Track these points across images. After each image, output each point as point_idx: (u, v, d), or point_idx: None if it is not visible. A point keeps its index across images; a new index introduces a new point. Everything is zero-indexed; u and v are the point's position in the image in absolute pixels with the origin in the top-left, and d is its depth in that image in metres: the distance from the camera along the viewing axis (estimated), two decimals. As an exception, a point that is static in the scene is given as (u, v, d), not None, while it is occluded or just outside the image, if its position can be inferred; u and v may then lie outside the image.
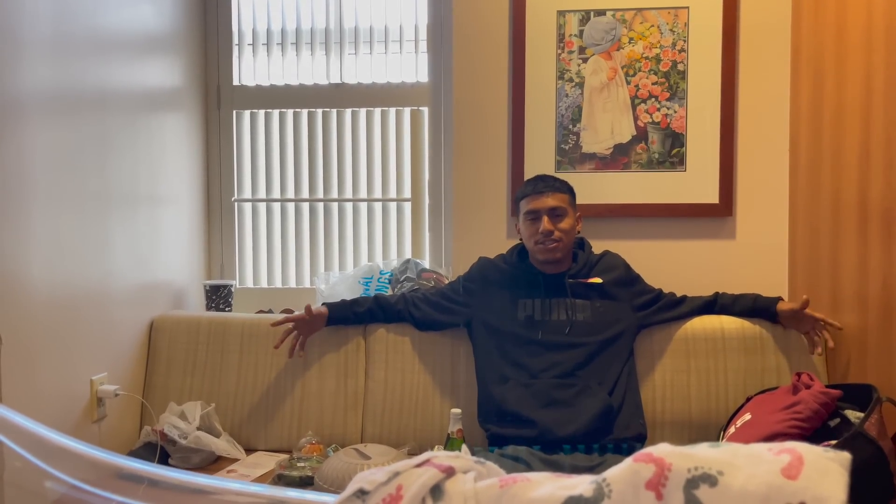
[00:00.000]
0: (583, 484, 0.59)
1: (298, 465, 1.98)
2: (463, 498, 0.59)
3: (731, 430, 1.90)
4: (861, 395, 1.77)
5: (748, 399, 2.01)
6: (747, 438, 1.77)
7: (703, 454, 0.57)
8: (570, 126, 2.52)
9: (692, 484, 0.56)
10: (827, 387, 1.80)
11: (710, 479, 0.55)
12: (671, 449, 0.59)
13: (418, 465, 0.63)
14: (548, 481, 0.61)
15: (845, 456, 0.56)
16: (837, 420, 1.71)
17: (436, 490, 0.61)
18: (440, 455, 0.64)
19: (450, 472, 0.62)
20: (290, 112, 2.78)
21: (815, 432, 1.70)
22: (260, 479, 2.01)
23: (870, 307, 1.92)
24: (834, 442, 1.63)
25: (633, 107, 2.50)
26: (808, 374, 1.84)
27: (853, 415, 1.72)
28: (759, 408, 1.89)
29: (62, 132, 1.91)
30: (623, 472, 0.58)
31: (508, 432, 1.98)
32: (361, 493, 0.61)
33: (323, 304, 2.27)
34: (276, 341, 2.20)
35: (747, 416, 1.88)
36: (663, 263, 2.49)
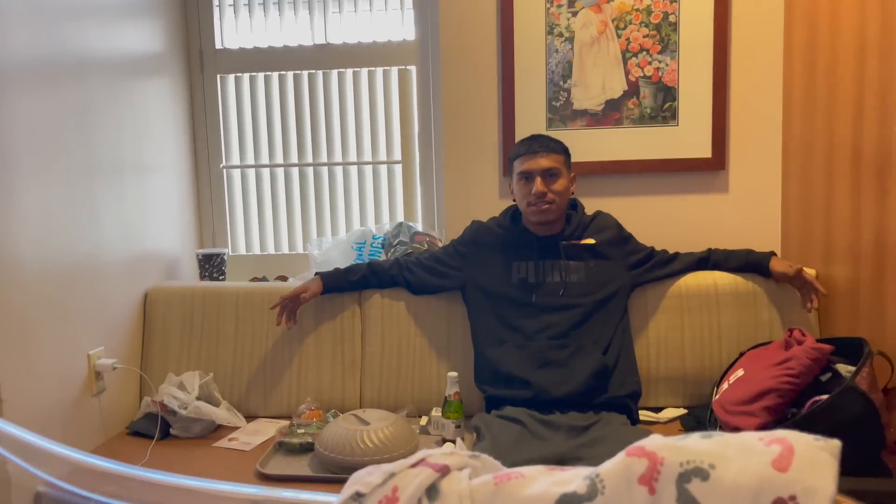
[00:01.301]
0: (576, 479, 0.59)
1: (298, 431, 2.00)
2: (458, 497, 0.60)
3: (725, 385, 1.92)
4: (852, 349, 1.78)
5: (741, 354, 2.03)
6: (741, 394, 1.80)
7: (695, 447, 0.58)
8: (561, 82, 2.48)
9: (684, 478, 0.56)
10: (818, 341, 1.82)
11: (702, 473, 0.56)
12: (663, 442, 0.60)
13: (413, 466, 0.63)
14: (541, 476, 0.61)
15: (835, 444, 0.56)
16: (829, 374, 1.73)
17: (431, 490, 0.61)
18: (435, 454, 0.65)
19: (445, 471, 0.62)
20: (275, 75, 2.73)
21: (806, 387, 1.73)
22: (261, 446, 2.04)
23: (862, 260, 1.93)
24: (825, 396, 1.65)
25: (625, 61, 2.46)
26: (801, 329, 1.85)
27: (844, 369, 1.74)
28: (752, 363, 1.91)
29: (42, 103, 1.87)
30: (616, 466, 0.59)
31: (504, 394, 2.00)
32: (358, 496, 0.62)
33: (316, 273, 2.26)
34: (276, 319, 2.21)
35: (740, 372, 1.90)
36: (657, 219, 2.49)
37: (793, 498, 0.52)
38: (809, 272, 2.13)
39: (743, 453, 0.56)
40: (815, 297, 2.10)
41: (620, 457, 0.60)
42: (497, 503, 0.60)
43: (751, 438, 0.58)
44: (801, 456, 0.54)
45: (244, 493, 0.71)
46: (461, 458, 0.65)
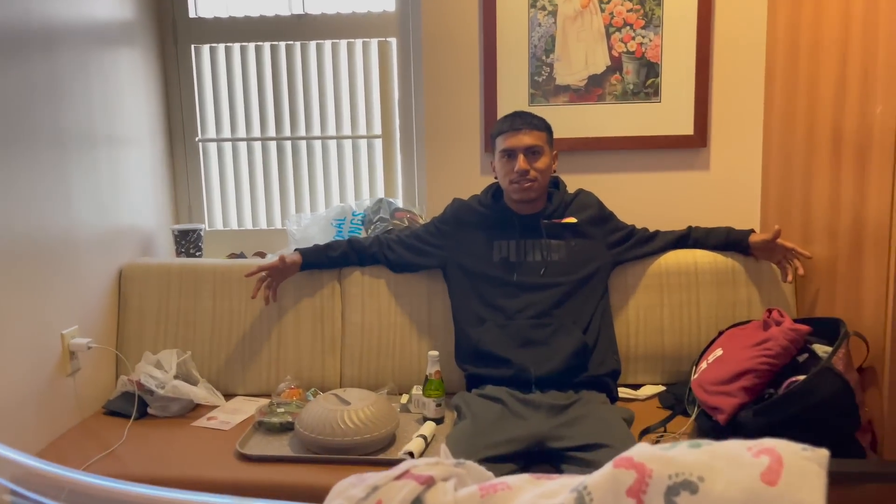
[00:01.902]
0: (563, 491, 0.58)
1: (278, 410, 1.99)
2: (443, 511, 0.59)
3: (703, 365, 1.94)
4: (829, 329, 1.80)
5: (720, 333, 2.05)
6: (719, 374, 1.81)
7: (684, 458, 0.57)
8: (544, 57, 2.45)
9: (673, 491, 0.56)
10: (796, 321, 1.84)
11: (691, 486, 0.55)
12: (651, 453, 0.59)
13: (397, 478, 0.62)
14: (528, 486, 0.60)
15: (822, 454, 0.56)
16: (806, 355, 1.75)
17: (416, 503, 0.60)
18: (419, 464, 0.64)
19: (430, 483, 0.61)
20: (251, 46, 2.66)
21: (783, 367, 1.74)
22: (241, 426, 2.03)
23: (840, 240, 1.94)
24: (802, 377, 1.67)
25: (608, 35, 2.43)
26: (779, 310, 1.87)
27: (821, 349, 1.76)
28: (731, 343, 1.93)
29: (7, 73, 1.80)
30: (603, 478, 0.58)
31: (485, 372, 2.01)
32: (341, 509, 0.61)
33: (296, 249, 2.23)
34: (252, 291, 2.18)
35: (719, 352, 1.92)
36: (638, 196, 2.48)
37: (781, 513, 0.52)
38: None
39: (731, 465, 0.56)
40: (798, 265, 2.10)
41: (608, 468, 0.59)
42: (483, 516, 0.59)
43: (739, 448, 0.58)
44: (790, 468, 0.54)
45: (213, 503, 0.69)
46: (446, 468, 0.64)
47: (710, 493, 0.54)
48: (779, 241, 2.12)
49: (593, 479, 0.58)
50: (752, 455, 0.56)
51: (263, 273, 2.16)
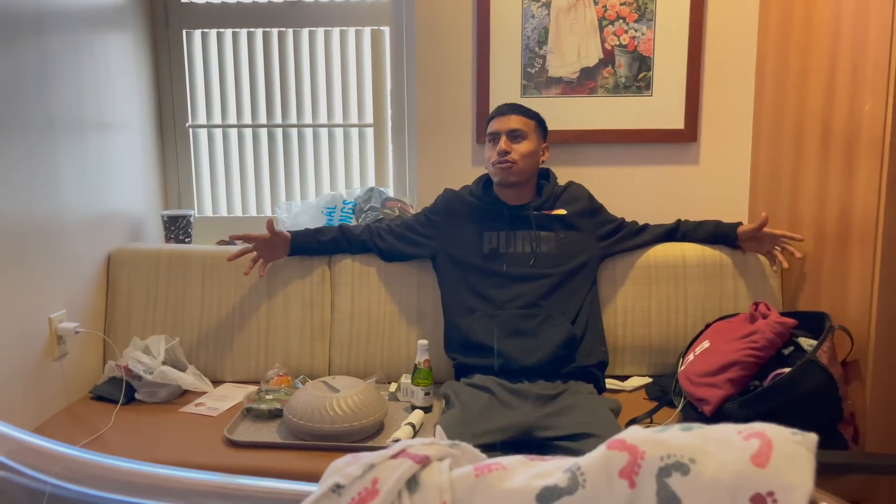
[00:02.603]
0: (557, 472, 0.59)
1: (267, 397, 1.99)
2: (439, 490, 0.59)
3: (690, 357, 1.96)
4: (814, 323, 1.83)
5: (707, 326, 2.07)
6: (706, 366, 1.83)
7: (676, 440, 0.58)
8: (537, 48, 2.45)
9: (664, 472, 0.57)
10: (782, 314, 1.86)
11: (683, 468, 0.56)
12: (644, 435, 0.60)
13: (393, 457, 0.63)
14: (522, 467, 0.61)
15: (812, 438, 0.57)
16: (791, 348, 1.78)
17: (412, 482, 0.61)
18: (415, 444, 0.64)
19: (425, 462, 0.62)
20: (243, 32, 2.64)
21: (769, 360, 1.76)
22: (229, 412, 2.03)
23: (826, 235, 1.96)
24: (787, 370, 1.69)
25: (601, 28, 2.43)
26: (766, 303, 1.89)
27: (806, 342, 1.78)
28: (718, 335, 1.95)
29: (-2, 60, 1.79)
30: (596, 459, 0.59)
31: (474, 362, 2.01)
32: (337, 487, 0.61)
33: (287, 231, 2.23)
34: (244, 269, 2.17)
35: (706, 344, 1.94)
36: (628, 189, 2.50)
37: (771, 494, 0.53)
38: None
39: (722, 448, 0.57)
40: (793, 249, 2.09)
41: (601, 450, 0.60)
42: (477, 495, 0.60)
43: (730, 432, 0.59)
44: (780, 451, 0.55)
45: (213, 482, 0.70)
46: (441, 448, 0.65)
47: (701, 474, 0.55)
48: (766, 229, 2.14)
49: (586, 460, 0.59)
50: (743, 438, 0.57)
51: (254, 254, 2.15)
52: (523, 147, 2.05)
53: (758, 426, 0.58)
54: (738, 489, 0.54)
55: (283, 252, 2.20)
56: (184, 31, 2.64)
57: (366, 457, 0.64)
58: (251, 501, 0.68)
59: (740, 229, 2.21)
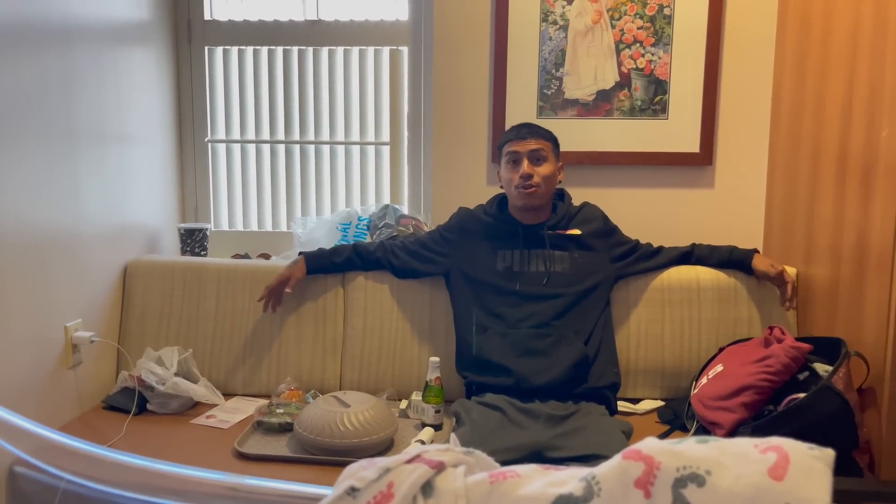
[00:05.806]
0: (572, 481, 0.59)
1: (277, 411, 1.99)
2: (454, 496, 0.59)
3: (704, 380, 1.94)
4: (830, 349, 1.81)
5: (720, 350, 2.05)
6: (719, 389, 1.82)
7: (692, 452, 0.58)
8: (553, 70, 2.47)
9: (680, 483, 0.56)
10: (797, 340, 1.85)
11: (698, 479, 0.56)
12: (660, 446, 0.60)
13: (409, 462, 0.63)
14: (537, 475, 0.61)
15: (829, 453, 0.57)
16: (806, 373, 1.76)
17: (426, 487, 0.61)
18: (430, 450, 0.64)
19: (440, 468, 0.62)
20: (264, 49, 2.68)
21: (784, 385, 1.75)
22: (239, 425, 2.03)
23: (843, 261, 1.95)
24: (802, 395, 1.68)
25: (618, 52, 2.45)
26: (780, 328, 1.88)
27: (822, 368, 1.76)
28: (731, 359, 1.94)
29: (24, 68, 1.82)
30: (612, 469, 0.59)
31: (485, 380, 2.01)
32: (352, 490, 0.61)
33: (300, 253, 2.25)
34: (259, 296, 2.21)
35: (719, 368, 1.92)
36: (642, 212, 2.50)
37: (788, 507, 0.53)
38: (790, 270, 2.16)
39: (739, 460, 0.57)
40: (793, 298, 2.12)
41: (617, 459, 0.60)
42: (492, 502, 0.60)
43: (746, 445, 0.58)
44: (797, 465, 0.55)
45: (229, 483, 0.70)
46: (456, 454, 0.65)
47: (717, 486, 0.55)
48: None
49: (602, 469, 0.59)
50: (760, 452, 0.57)
51: (272, 291, 2.19)
52: (544, 169, 2.06)
53: (774, 440, 0.58)
54: (754, 502, 0.53)
55: (300, 282, 2.22)
56: (206, 48, 2.68)
57: (381, 461, 0.64)
58: (264, 505, 0.69)
59: (755, 265, 2.19)
